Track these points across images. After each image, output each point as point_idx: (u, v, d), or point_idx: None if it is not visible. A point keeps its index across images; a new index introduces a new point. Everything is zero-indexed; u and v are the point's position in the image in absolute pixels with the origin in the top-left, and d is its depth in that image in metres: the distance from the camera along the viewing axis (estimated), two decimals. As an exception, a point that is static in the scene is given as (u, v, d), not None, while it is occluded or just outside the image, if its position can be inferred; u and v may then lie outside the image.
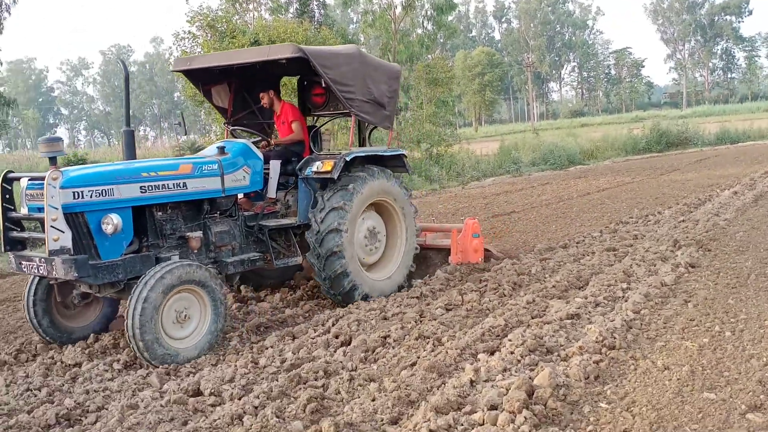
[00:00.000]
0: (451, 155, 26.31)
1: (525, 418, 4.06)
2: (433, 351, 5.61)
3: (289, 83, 15.40)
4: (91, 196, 5.89)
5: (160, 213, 6.54)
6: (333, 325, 6.70)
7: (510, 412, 4.14)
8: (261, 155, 7.43)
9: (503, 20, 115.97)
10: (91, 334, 6.74)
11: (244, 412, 4.56)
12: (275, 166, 7.81)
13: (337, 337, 6.26)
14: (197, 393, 5.10)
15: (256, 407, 4.66)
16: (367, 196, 7.70)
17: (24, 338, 6.95)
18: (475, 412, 4.24)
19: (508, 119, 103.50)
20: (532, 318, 6.35)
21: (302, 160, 7.73)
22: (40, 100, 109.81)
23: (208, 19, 19.50)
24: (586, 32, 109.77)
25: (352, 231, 7.52)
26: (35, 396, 5.40)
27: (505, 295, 7.44)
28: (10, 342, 7.01)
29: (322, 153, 8.06)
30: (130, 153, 6.99)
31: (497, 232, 12.48)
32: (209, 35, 19.50)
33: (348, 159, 7.52)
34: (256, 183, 7.33)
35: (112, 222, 5.93)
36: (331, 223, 7.30)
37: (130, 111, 7.05)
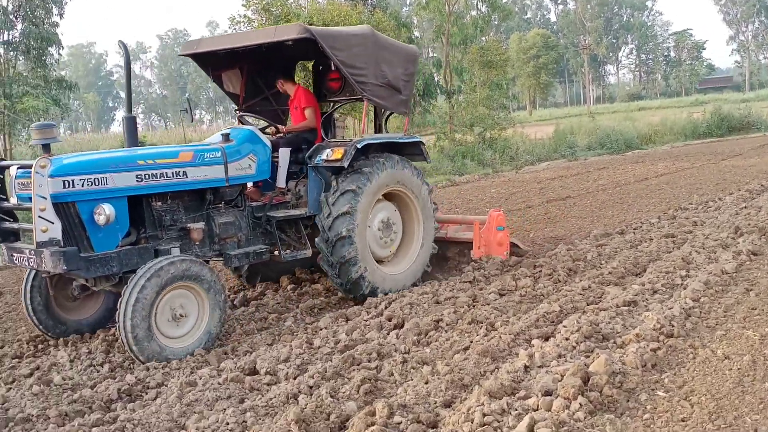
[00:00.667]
0: (505, 139, 26.05)
1: (580, 404, 4.02)
2: (486, 336, 5.60)
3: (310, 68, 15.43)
4: (82, 185, 5.60)
5: (159, 203, 6.28)
6: (386, 308, 6.73)
7: (565, 398, 4.11)
8: (269, 143, 7.14)
9: (559, 2, 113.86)
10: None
11: (299, 392, 4.65)
12: (284, 154, 7.46)
13: (390, 320, 6.29)
14: (253, 372, 5.21)
15: (310, 387, 4.73)
16: (383, 183, 7.33)
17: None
18: (529, 398, 4.22)
19: (564, 103, 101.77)
20: (588, 304, 6.28)
21: (312, 148, 7.37)
22: (100, 84, 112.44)
23: (264, 2, 19.63)
24: (645, 13, 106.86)
25: (365, 217, 7.15)
26: (98, 371, 5.60)
27: (559, 281, 7.36)
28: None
29: (333, 140, 7.72)
30: (132, 140, 6.67)
31: (552, 217, 12.33)
32: (264, 19, 19.64)
33: (359, 146, 7.10)
34: (263, 172, 7.02)
35: (104, 212, 5.63)
36: (342, 205, 6.96)
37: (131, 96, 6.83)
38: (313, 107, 7.91)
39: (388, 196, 7.67)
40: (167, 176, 6.14)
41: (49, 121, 5.76)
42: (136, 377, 5.21)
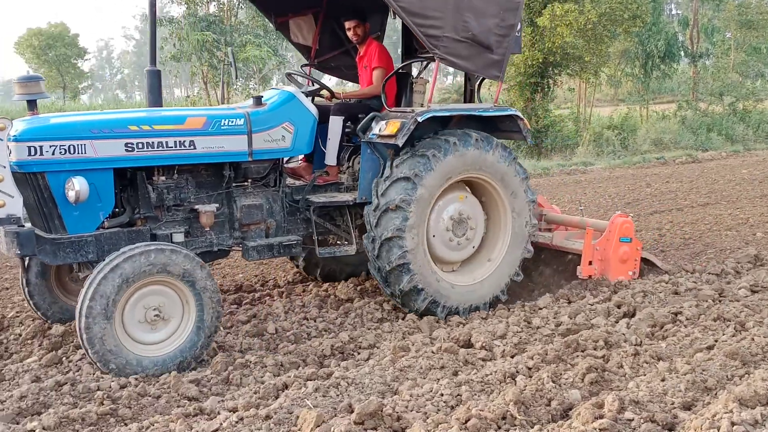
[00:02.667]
0: (761, 112, 24.01)
1: None
2: (734, 336, 5.27)
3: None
4: (53, 153, 4.99)
5: (162, 177, 5.64)
6: (614, 293, 6.54)
7: (836, 419, 3.77)
8: (314, 109, 6.17)
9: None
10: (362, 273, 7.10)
11: (517, 372, 4.67)
12: (335, 124, 6.47)
13: (619, 307, 6.12)
14: (468, 344, 5.32)
15: (529, 368, 4.74)
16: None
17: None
18: (789, 412, 3.92)
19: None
20: None
21: (366, 117, 6.34)
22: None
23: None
24: None
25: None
26: (313, 326, 6.01)
27: (828, 283, 6.71)
28: (287, 271, 7.81)
29: (396, 109, 6.50)
30: (155, 98, 5.98)
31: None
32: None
33: (420, 119, 5.99)
34: (302, 145, 6.10)
35: (74, 187, 4.97)
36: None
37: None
38: (384, 68, 6.77)
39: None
40: (167, 146, 5.43)
41: (35, 74, 5.32)
42: (349, 336, 5.53)
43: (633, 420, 3.92)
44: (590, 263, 6.87)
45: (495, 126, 6.66)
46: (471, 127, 6.44)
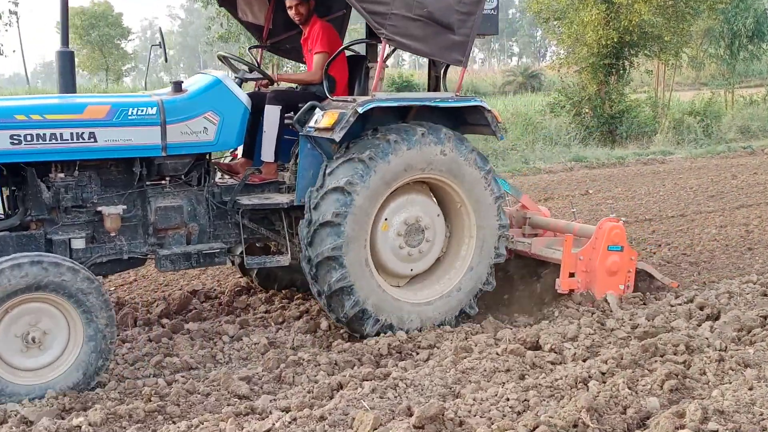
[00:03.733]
0: None
1: None
2: (835, 343, 5.09)
3: None
4: None
5: (61, 174, 5.19)
6: (697, 294, 6.39)
7: None
8: (245, 98, 5.70)
9: None
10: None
11: (590, 377, 4.59)
12: (271, 114, 5.97)
13: (701, 309, 5.98)
14: (536, 346, 5.26)
15: (603, 373, 4.66)
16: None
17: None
18: None
19: None
20: None
21: (304, 107, 5.81)
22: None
23: None
24: None
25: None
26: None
27: None
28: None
29: (339, 98, 5.94)
30: (66, 82, 5.56)
31: None
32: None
33: (361, 110, 5.45)
34: (229, 138, 5.63)
35: None
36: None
37: None
38: (326, 53, 6.21)
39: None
40: (62, 139, 4.98)
41: None
42: (407, 335, 5.52)
43: (717, 431, 3.82)
44: (572, 275, 6.31)
45: (463, 119, 6.18)
46: (435, 120, 5.94)
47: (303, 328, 5.94)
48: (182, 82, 5.63)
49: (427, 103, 5.83)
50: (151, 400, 4.44)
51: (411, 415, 4.02)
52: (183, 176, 5.61)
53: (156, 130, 5.25)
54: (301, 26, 6.49)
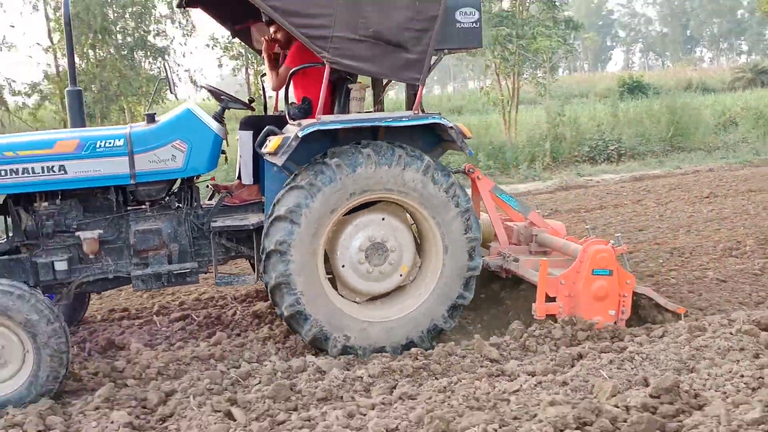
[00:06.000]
0: None
1: None
2: None
3: None
4: None
5: (45, 204, 5.49)
6: None
7: None
8: (214, 125, 5.71)
9: None
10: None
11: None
12: (245, 139, 6.05)
13: None
14: (768, 327, 5.14)
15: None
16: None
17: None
18: None
19: None
20: None
21: (263, 132, 5.74)
22: (600, 23, 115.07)
23: None
24: None
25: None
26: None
27: None
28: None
29: (294, 122, 5.71)
30: (76, 118, 5.96)
31: None
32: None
33: (301, 134, 5.26)
34: (199, 164, 5.63)
35: None
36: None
37: None
38: (289, 68, 6.03)
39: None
40: (34, 172, 5.26)
41: None
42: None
43: None
44: (553, 299, 5.63)
45: (439, 136, 5.87)
46: (411, 139, 5.70)
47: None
48: (155, 114, 5.80)
49: (377, 124, 5.57)
50: (417, 359, 4.96)
51: (647, 385, 4.22)
52: (163, 200, 5.82)
53: (124, 160, 5.46)
54: (284, 52, 6.41)
